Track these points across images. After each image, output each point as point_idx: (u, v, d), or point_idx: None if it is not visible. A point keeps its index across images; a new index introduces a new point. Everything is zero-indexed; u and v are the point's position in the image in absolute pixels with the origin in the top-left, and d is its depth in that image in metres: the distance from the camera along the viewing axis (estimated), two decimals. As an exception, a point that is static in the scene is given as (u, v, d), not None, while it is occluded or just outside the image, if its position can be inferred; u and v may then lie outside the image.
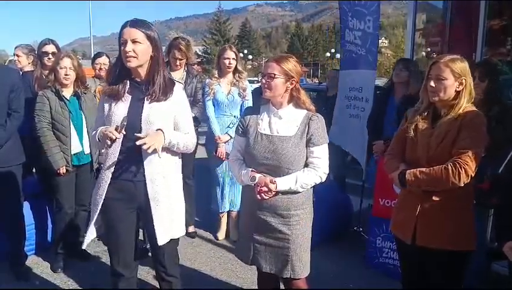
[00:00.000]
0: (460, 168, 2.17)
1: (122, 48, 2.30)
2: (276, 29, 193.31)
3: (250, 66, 65.87)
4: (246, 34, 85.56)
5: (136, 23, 2.31)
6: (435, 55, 6.84)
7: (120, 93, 2.38)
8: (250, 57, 69.02)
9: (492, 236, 3.32)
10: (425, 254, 2.39)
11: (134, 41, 2.28)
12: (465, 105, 2.33)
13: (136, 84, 2.42)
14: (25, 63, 4.29)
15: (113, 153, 2.39)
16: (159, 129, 2.33)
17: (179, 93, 2.47)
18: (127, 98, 2.40)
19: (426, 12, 6.73)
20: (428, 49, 6.98)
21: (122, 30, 2.32)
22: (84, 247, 2.59)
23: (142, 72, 2.39)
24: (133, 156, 2.38)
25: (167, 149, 2.40)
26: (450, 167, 2.20)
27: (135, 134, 2.27)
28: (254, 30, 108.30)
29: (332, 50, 65.84)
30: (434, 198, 2.33)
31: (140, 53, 2.30)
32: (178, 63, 4.15)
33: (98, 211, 2.45)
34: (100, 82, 4.53)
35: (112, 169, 2.40)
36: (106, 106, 2.43)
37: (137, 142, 2.21)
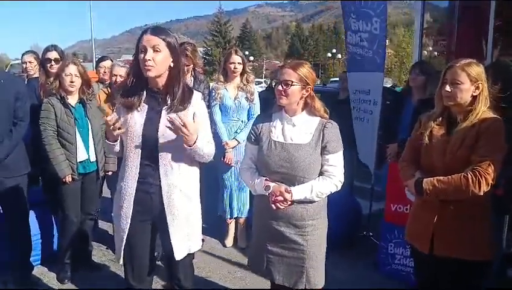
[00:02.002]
0: (481, 176, 2.11)
1: (141, 55, 2.21)
2: (276, 30, 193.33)
3: (251, 67, 65.76)
4: (247, 35, 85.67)
5: (156, 31, 2.24)
6: (436, 54, 6.82)
7: (136, 103, 2.30)
8: (251, 58, 68.98)
9: (508, 241, 3.27)
10: (442, 263, 2.32)
11: (154, 50, 2.20)
12: (483, 110, 2.27)
13: (153, 94, 2.34)
14: (36, 70, 4.27)
15: (134, 168, 2.32)
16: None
17: (197, 103, 2.38)
18: (144, 107, 2.32)
19: (429, 12, 6.70)
20: (430, 48, 6.96)
21: (141, 37, 2.23)
22: (120, 263, 2.48)
23: (161, 81, 2.30)
24: (150, 168, 2.32)
25: (186, 160, 2.35)
26: (469, 176, 2.13)
27: (177, 116, 2.17)
28: (255, 31, 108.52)
29: (334, 50, 65.83)
30: (451, 207, 2.27)
31: (159, 62, 2.21)
32: (185, 69, 4.09)
33: (126, 234, 2.37)
34: (103, 86, 4.49)
35: (135, 183, 2.33)
36: (121, 116, 2.36)
37: (177, 123, 2.13)
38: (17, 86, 3.36)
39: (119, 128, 2.23)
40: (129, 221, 2.36)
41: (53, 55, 4.04)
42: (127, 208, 2.36)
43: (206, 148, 2.35)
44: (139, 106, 2.31)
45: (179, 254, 2.37)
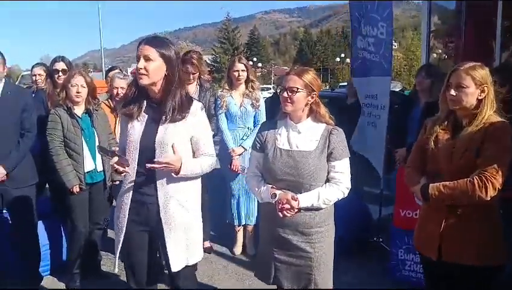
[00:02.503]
0: (487, 181, 2.08)
1: (136, 64, 2.26)
2: (284, 36, 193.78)
3: (259, 74, 66.05)
4: (255, 42, 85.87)
5: (151, 41, 2.27)
6: (445, 57, 6.76)
7: (136, 112, 2.33)
8: (259, 64, 69.14)
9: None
10: (452, 270, 2.28)
11: (146, 59, 2.23)
12: (489, 113, 2.23)
13: (151, 104, 2.36)
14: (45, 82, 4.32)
15: (131, 177, 2.34)
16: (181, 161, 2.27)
17: (197, 113, 2.38)
18: (143, 117, 2.34)
19: (437, 14, 6.66)
20: (439, 51, 6.91)
21: (138, 47, 2.28)
22: (115, 271, 2.51)
23: (157, 90, 2.32)
24: (147, 178, 2.33)
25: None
26: (476, 181, 2.10)
27: (155, 160, 2.22)
28: (262, 37, 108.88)
29: (342, 55, 65.69)
30: (458, 212, 2.23)
31: (151, 71, 2.24)
32: (191, 77, 4.10)
33: (123, 238, 2.39)
34: (104, 98, 4.44)
35: (131, 192, 2.35)
36: (123, 125, 2.41)
37: (151, 165, 2.19)
38: (24, 98, 3.40)
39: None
40: (124, 230, 2.37)
41: (60, 66, 4.08)
42: (123, 217, 2.38)
43: (199, 168, 2.38)
44: (139, 115, 2.34)
45: (175, 266, 2.35)
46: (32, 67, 4.63)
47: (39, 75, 4.43)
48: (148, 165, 2.20)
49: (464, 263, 2.22)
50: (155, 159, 2.23)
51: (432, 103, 3.57)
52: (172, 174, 2.26)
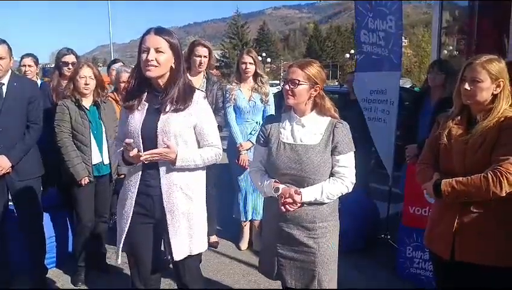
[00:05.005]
0: (502, 176, 2.00)
1: (143, 55, 2.20)
2: (294, 32, 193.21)
3: (268, 69, 65.90)
4: (264, 37, 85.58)
5: (160, 31, 2.23)
6: (457, 53, 6.67)
7: (136, 104, 2.30)
8: (268, 60, 68.97)
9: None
10: (466, 270, 2.20)
11: (157, 51, 2.19)
12: (504, 108, 2.17)
13: (153, 93, 2.33)
14: (35, 74, 4.27)
15: (135, 168, 2.32)
16: (176, 151, 2.24)
17: (200, 102, 2.34)
18: (144, 106, 2.31)
19: (449, 11, 6.58)
20: (450, 48, 6.83)
21: (144, 37, 2.22)
22: (119, 263, 2.50)
23: (162, 81, 2.29)
24: (151, 167, 2.30)
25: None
26: (490, 176, 2.03)
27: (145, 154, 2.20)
28: (272, 33, 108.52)
29: (352, 51, 65.37)
30: (473, 209, 2.16)
31: (163, 63, 2.21)
32: (202, 61, 3.99)
33: (127, 230, 2.37)
34: (109, 91, 4.40)
35: (137, 183, 2.33)
36: (124, 117, 2.37)
37: (142, 158, 2.18)
38: (31, 89, 3.38)
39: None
40: (128, 222, 2.35)
41: (71, 58, 4.05)
42: (128, 208, 2.35)
43: (199, 159, 2.33)
44: (139, 105, 2.31)
45: (177, 254, 2.32)
46: (21, 58, 4.50)
47: (29, 66, 4.36)
48: (143, 156, 2.17)
49: (478, 263, 2.15)
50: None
51: (445, 98, 3.51)
52: (171, 165, 2.25)
